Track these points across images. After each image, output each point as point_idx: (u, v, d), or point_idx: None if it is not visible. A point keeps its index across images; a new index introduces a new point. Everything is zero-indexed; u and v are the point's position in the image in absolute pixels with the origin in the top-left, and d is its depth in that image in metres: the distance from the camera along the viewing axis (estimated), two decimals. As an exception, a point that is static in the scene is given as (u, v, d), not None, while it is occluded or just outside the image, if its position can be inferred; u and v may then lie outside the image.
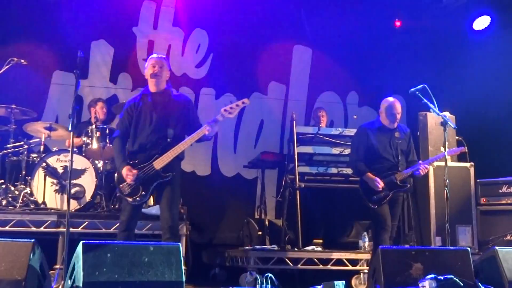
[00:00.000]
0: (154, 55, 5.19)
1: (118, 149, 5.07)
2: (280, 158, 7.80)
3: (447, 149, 5.68)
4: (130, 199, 4.91)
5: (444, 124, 5.68)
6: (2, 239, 3.99)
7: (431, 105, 5.69)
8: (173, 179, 4.93)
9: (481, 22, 8.42)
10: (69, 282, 3.97)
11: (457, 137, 6.96)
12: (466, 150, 6.54)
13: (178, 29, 8.79)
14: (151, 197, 5.86)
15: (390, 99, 5.97)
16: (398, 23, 9.13)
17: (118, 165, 5.04)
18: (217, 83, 8.73)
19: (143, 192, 4.90)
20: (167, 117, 5.00)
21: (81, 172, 6.32)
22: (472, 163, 6.97)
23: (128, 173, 4.87)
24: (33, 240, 3.93)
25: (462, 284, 4.14)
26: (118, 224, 5.78)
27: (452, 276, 4.17)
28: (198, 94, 8.72)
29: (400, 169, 5.87)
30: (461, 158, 6.95)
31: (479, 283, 4.42)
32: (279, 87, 9.14)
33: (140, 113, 5.02)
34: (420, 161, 5.96)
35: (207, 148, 8.61)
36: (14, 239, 4.02)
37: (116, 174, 5.13)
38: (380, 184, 5.72)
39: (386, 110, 5.93)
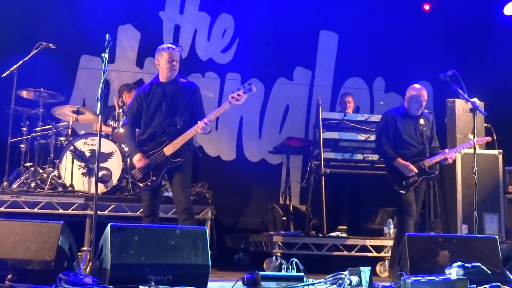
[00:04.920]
0: (172, 46, 5.21)
1: (129, 136, 5.28)
2: (305, 143, 7.77)
3: (475, 137, 5.59)
4: (142, 184, 5.08)
5: (473, 110, 5.59)
6: (31, 220, 4.06)
7: (461, 91, 5.60)
8: (183, 164, 5.07)
9: (513, 7, 8.24)
10: (97, 264, 4.03)
11: (485, 124, 6.86)
12: (494, 137, 6.47)
13: (204, 14, 8.78)
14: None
15: (417, 86, 5.89)
16: (427, 7, 9.01)
17: (130, 151, 5.25)
18: (243, 68, 8.70)
19: (153, 177, 5.05)
20: (176, 105, 5.12)
21: (108, 155, 6.38)
22: (501, 151, 6.87)
23: (140, 159, 5.03)
24: (62, 221, 3.98)
25: (489, 272, 4.09)
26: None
27: (480, 264, 4.12)
28: (223, 79, 8.71)
29: (427, 155, 5.83)
30: (489, 145, 6.84)
31: (507, 272, 4.36)
32: (305, 72, 9.07)
33: (151, 103, 5.14)
34: (447, 150, 5.90)
35: (232, 133, 8.62)
36: (43, 221, 4.08)
37: (128, 160, 5.25)
38: (414, 170, 5.69)
39: (412, 97, 5.85)
